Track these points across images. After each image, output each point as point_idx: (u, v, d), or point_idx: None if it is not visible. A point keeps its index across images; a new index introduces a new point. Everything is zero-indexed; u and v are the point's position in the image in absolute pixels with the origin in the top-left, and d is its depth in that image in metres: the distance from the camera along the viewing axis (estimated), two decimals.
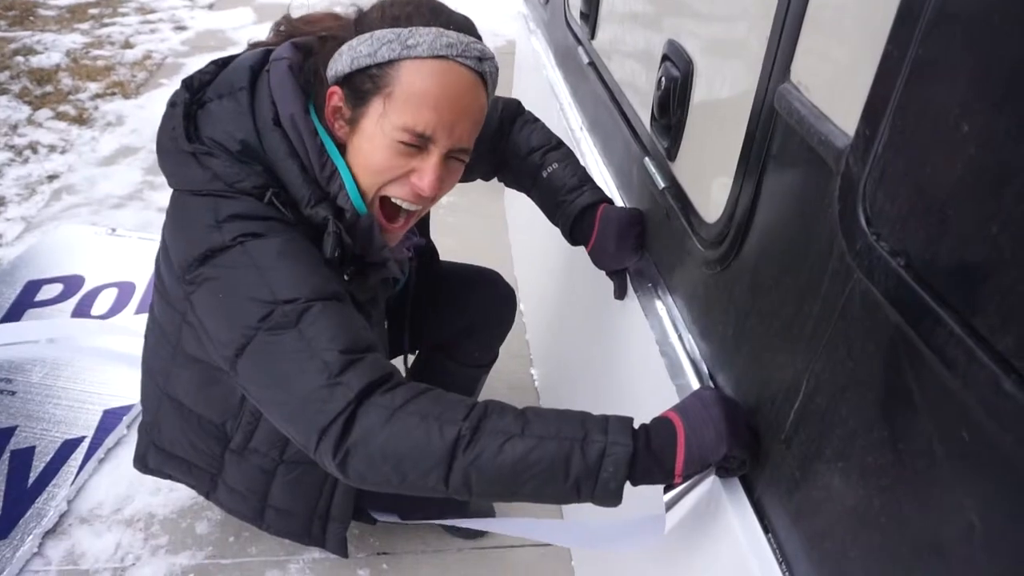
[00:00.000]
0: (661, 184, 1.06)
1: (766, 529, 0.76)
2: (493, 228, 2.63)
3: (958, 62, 0.47)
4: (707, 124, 0.94)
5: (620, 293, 1.17)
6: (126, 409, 1.85)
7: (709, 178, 0.92)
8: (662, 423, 0.83)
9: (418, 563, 1.55)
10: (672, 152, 1.02)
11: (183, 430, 1.25)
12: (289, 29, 1.07)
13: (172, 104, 1.00)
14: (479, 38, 0.98)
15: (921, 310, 0.50)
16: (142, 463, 1.37)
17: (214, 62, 1.06)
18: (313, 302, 0.90)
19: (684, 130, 0.99)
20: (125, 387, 1.89)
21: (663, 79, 1.01)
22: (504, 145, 1.28)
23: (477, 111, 0.99)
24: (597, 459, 0.79)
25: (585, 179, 1.21)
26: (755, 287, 0.79)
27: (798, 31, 0.69)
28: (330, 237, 0.96)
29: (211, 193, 0.94)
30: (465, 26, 0.97)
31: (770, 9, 0.73)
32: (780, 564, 0.72)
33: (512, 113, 1.29)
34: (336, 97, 0.97)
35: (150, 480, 1.69)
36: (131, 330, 2.09)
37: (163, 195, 3.01)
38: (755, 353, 0.80)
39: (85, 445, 1.74)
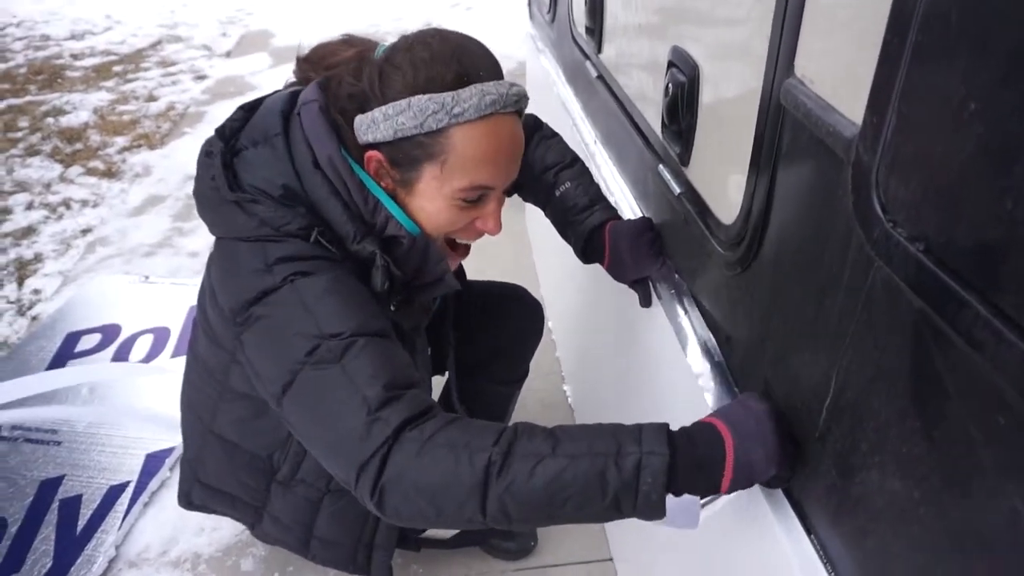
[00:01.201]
0: (677, 190, 1.05)
1: (808, 530, 0.74)
2: (517, 247, 2.64)
3: (958, 42, 0.47)
4: (717, 126, 0.93)
5: (645, 302, 1.17)
6: (168, 452, 1.88)
7: (723, 180, 0.91)
8: (707, 430, 0.80)
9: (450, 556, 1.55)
10: (685, 157, 1.02)
11: (229, 465, 1.27)
12: (308, 68, 1.08)
13: (208, 154, 1.01)
14: (501, 71, 0.98)
15: (944, 294, 0.49)
16: (187, 500, 1.39)
17: (241, 107, 1.07)
18: (357, 337, 0.91)
19: (695, 134, 0.98)
20: (166, 431, 1.93)
21: (670, 85, 1.02)
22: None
23: (523, 144, 1.02)
24: (633, 471, 0.76)
25: (597, 198, 1.22)
26: (776, 286, 0.78)
27: (799, 25, 0.69)
28: (379, 270, 0.97)
29: (259, 239, 0.96)
30: (492, 68, 0.97)
31: (770, 5, 0.73)
32: (824, 565, 0.71)
33: (530, 130, 1.29)
34: (375, 162, 0.98)
35: (194, 521, 1.72)
36: (167, 371, 2.13)
37: (192, 240, 3.07)
38: (781, 352, 0.79)
39: (130, 490, 1.77)
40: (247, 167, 0.99)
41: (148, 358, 2.22)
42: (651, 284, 1.16)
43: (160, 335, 2.31)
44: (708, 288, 1.00)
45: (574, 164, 1.26)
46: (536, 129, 1.31)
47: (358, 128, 0.97)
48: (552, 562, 1.59)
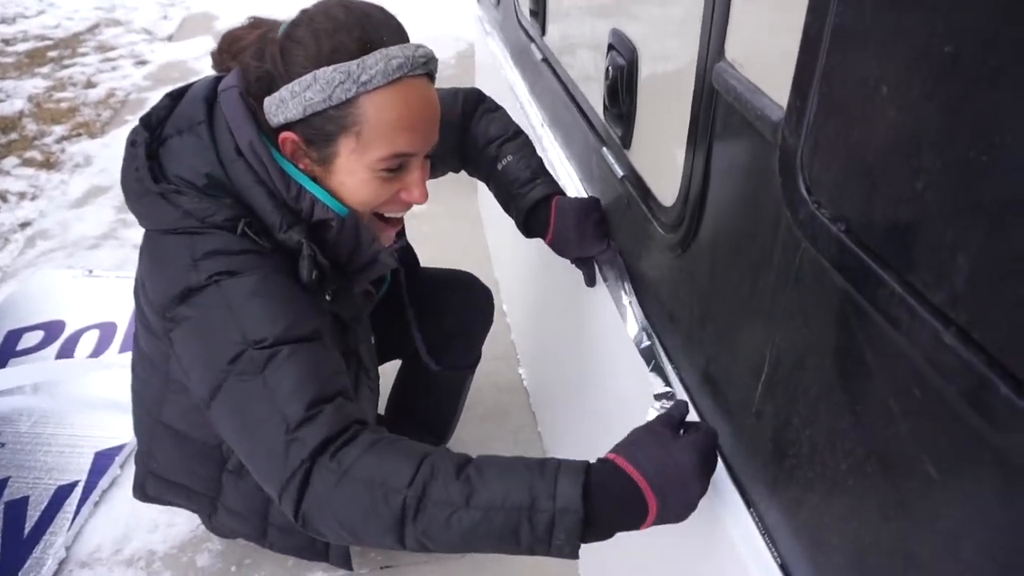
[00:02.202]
0: (619, 173, 1.06)
1: (748, 504, 0.77)
2: (470, 231, 2.63)
3: (871, 28, 0.48)
4: (655, 109, 0.94)
5: (589, 281, 1.18)
6: (117, 449, 1.84)
7: (663, 162, 0.92)
8: (621, 479, 0.78)
9: (421, 573, 1.55)
10: (626, 140, 1.03)
11: (180, 456, 1.26)
12: (224, 59, 1.05)
13: (132, 143, 0.99)
14: (406, 35, 0.97)
15: (863, 272, 0.51)
16: (141, 492, 1.37)
17: (168, 95, 1.05)
18: (281, 346, 0.89)
19: (635, 117, 0.99)
20: (114, 428, 1.88)
21: (610, 68, 1.02)
22: (465, 137, 1.27)
23: (438, 106, 1.00)
24: (546, 530, 0.76)
25: (539, 171, 1.20)
26: (714, 266, 0.80)
27: (728, 8, 0.70)
28: (306, 260, 0.95)
29: (185, 231, 0.94)
30: (397, 32, 0.95)
31: None
32: (763, 535, 0.73)
33: (473, 103, 1.28)
34: (290, 143, 0.96)
35: (147, 518, 1.69)
36: (114, 366, 2.08)
37: (137, 232, 3.00)
38: (720, 331, 0.80)
39: (79, 489, 1.73)
40: (172, 157, 0.97)
41: (94, 354, 2.17)
42: (596, 265, 1.17)
43: (106, 330, 2.25)
44: (651, 270, 1.02)
45: (516, 137, 1.25)
46: (479, 102, 1.29)
47: (268, 110, 0.95)
48: None
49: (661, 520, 0.78)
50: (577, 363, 1.39)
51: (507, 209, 1.24)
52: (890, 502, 0.53)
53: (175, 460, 1.27)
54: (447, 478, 0.80)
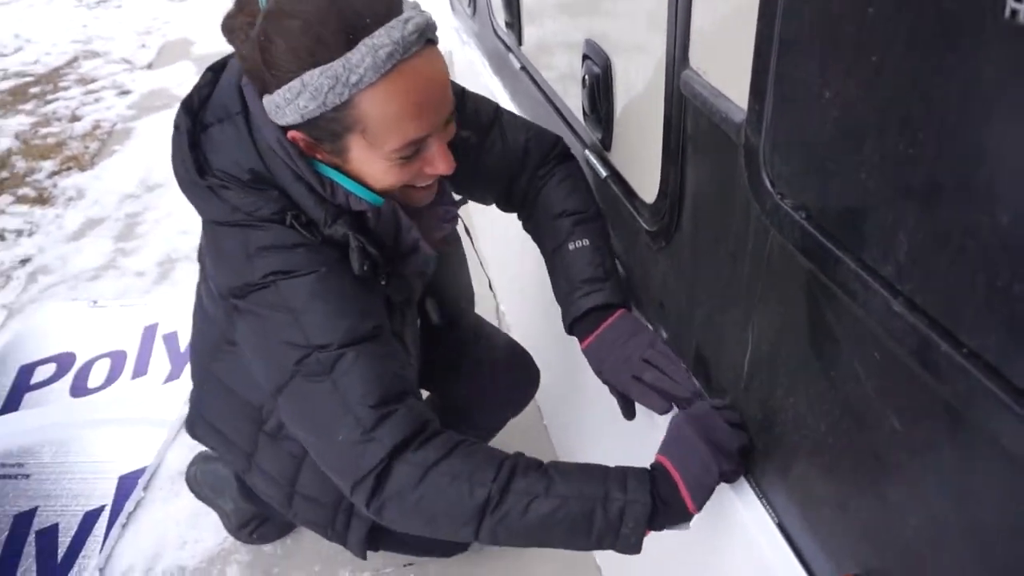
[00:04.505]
0: (603, 173, 1.13)
1: (746, 471, 0.84)
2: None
3: (813, 37, 0.55)
4: (632, 113, 1.01)
5: (627, 413, 1.05)
6: (140, 472, 1.90)
7: (642, 162, 0.99)
8: (660, 470, 0.86)
9: (445, 570, 1.61)
10: (607, 142, 1.10)
11: (225, 406, 1.30)
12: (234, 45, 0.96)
13: (176, 127, 0.96)
14: (389, 4, 0.85)
15: (824, 253, 0.58)
16: (191, 430, 1.44)
17: (210, 68, 1.00)
18: (346, 348, 0.90)
19: (614, 121, 1.06)
20: (135, 451, 1.95)
21: (586, 76, 1.09)
22: (532, 190, 1.18)
23: (444, 74, 0.92)
24: (617, 517, 0.83)
25: (611, 271, 1.09)
26: (696, 256, 0.87)
27: (689, 19, 0.76)
28: (355, 252, 0.94)
29: (237, 224, 0.94)
30: (385, 8, 0.84)
31: (663, 1, 0.81)
32: (760, 499, 0.80)
33: (555, 154, 1.18)
34: (301, 141, 0.92)
35: (174, 535, 1.75)
36: (129, 399, 2.14)
37: (136, 260, 3.03)
38: (707, 315, 0.87)
39: (106, 513, 1.79)
40: (214, 147, 0.95)
41: (107, 383, 2.22)
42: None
43: (117, 358, 2.30)
44: (640, 262, 1.08)
45: (596, 219, 1.13)
46: (565, 158, 1.19)
47: (268, 112, 0.90)
48: None
49: (693, 489, 0.84)
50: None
51: (557, 294, 1.13)
52: (864, 454, 0.60)
53: (221, 408, 1.31)
54: (528, 471, 0.87)
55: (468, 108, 1.15)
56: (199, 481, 1.70)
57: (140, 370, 2.25)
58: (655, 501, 0.83)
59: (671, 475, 0.85)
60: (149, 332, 2.39)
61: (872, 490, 0.59)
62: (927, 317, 0.48)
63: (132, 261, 2.86)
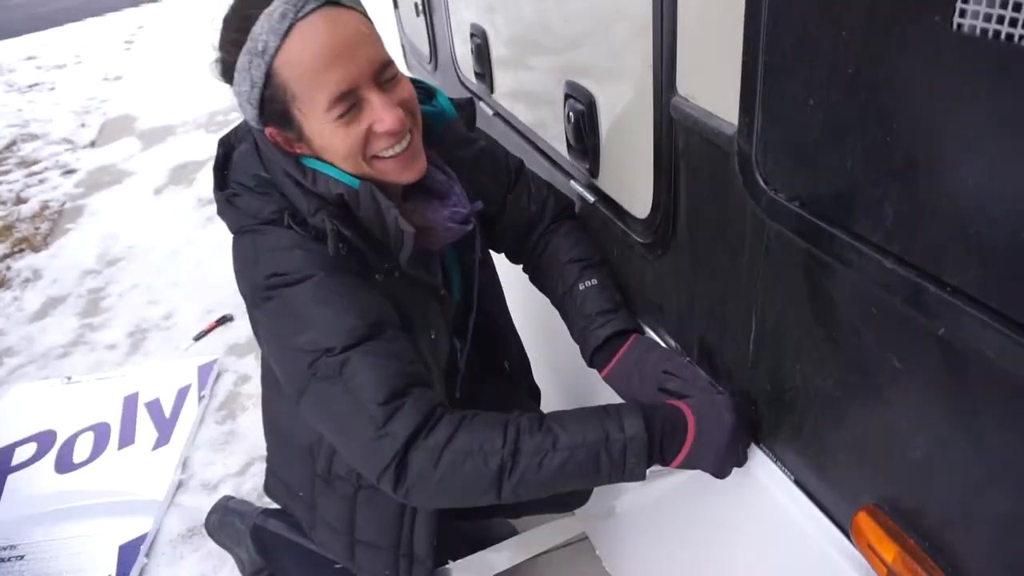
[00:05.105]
0: (591, 199, 1.25)
1: (756, 441, 0.94)
2: None
3: (795, 60, 0.68)
4: (619, 140, 1.13)
5: None
6: (141, 539, 1.90)
7: (632, 183, 1.11)
8: (675, 414, 0.96)
9: None
10: (594, 171, 1.22)
11: (284, 453, 1.36)
12: None
13: (214, 158, 1.11)
14: None
15: (820, 233, 0.70)
16: (266, 489, 1.48)
17: None
18: (351, 351, 0.97)
19: (600, 150, 1.18)
20: (132, 517, 1.95)
21: (571, 114, 1.21)
22: (542, 243, 1.30)
23: (359, 27, 0.96)
24: (621, 454, 0.94)
25: (620, 304, 1.20)
26: (695, 259, 0.98)
27: (675, 54, 0.89)
28: (331, 236, 0.98)
29: (248, 230, 1.04)
30: None
31: (648, 40, 0.93)
32: (775, 461, 0.90)
33: (565, 213, 1.31)
34: (272, 135, 1.02)
35: None
36: (118, 470, 2.13)
37: (106, 334, 3.05)
38: (709, 310, 0.99)
39: None
40: (234, 165, 1.09)
41: (93, 456, 2.21)
42: None
43: (100, 431, 2.29)
44: (635, 273, 1.20)
45: (602, 264, 1.25)
46: (570, 216, 1.32)
47: (246, 118, 1.03)
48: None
49: (696, 449, 0.95)
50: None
51: (573, 326, 1.22)
52: (872, 398, 0.71)
53: (280, 454, 1.38)
54: (532, 432, 0.95)
55: (499, 153, 1.30)
56: (217, 528, 1.72)
57: (126, 440, 2.24)
58: (651, 435, 0.94)
59: (686, 430, 0.95)
60: (130, 402, 2.39)
61: (881, 426, 0.70)
62: (915, 268, 0.60)
63: (101, 335, 2.85)
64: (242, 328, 2.78)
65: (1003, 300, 0.53)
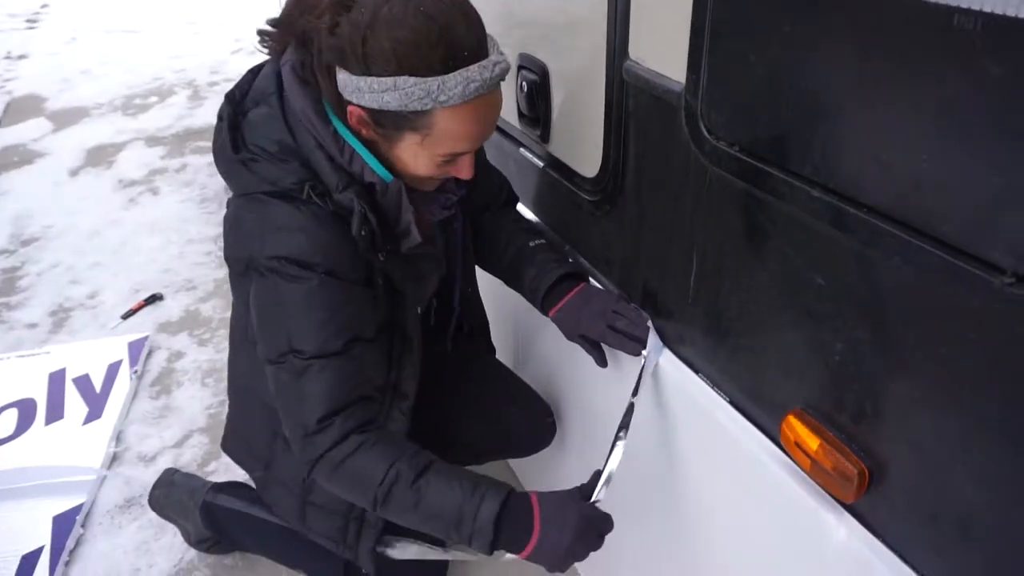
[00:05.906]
0: (540, 164, 1.34)
1: (696, 371, 1.06)
2: None
3: (739, 20, 0.78)
4: (571, 106, 1.23)
5: (601, 361, 1.23)
6: (76, 510, 1.87)
7: (582, 145, 1.21)
8: (523, 512, 1.07)
9: None
10: (545, 136, 1.31)
11: (245, 410, 1.40)
12: (284, 34, 1.10)
13: (219, 118, 1.11)
14: (484, 40, 1.00)
15: (757, 172, 0.81)
16: (223, 445, 1.52)
17: (250, 70, 1.15)
18: (314, 360, 1.06)
19: (552, 116, 1.28)
20: (66, 491, 1.91)
21: (524, 83, 1.30)
22: (490, 222, 1.40)
23: (499, 110, 1.08)
24: (467, 540, 1.07)
25: (567, 258, 1.32)
26: (641, 209, 1.09)
27: (628, 22, 0.99)
28: (357, 216, 1.04)
29: (258, 197, 1.06)
30: (477, 44, 0.98)
31: (602, 9, 1.03)
32: (713, 387, 1.02)
33: (512, 198, 1.45)
34: (357, 116, 1.02)
35: (126, 565, 1.76)
36: (47, 444, 2.08)
37: (25, 312, 2.97)
38: (652, 254, 1.09)
39: (46, 553, 1.75)
40: (250, 127, 1.09)
41: (18, 432, 2.14)
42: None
43: (25, 407, 2.22)
44: (583, 231, 1.30)
45: (547, 234, 1.39)
46: (515, 203, 1.45)
47: (342, 86, 1.01)
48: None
49: (537, 551, 1.06)
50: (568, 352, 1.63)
51: (524, 276, 1.31)
52: (801, 314, 0.83)
53: (243, 414, 1.42)
54: (405, 485, 1.07)
55: None
56: (162, 504, 1.71)
57: (55, 415, 2.19)
58: (497, 535, 1.05)
59: (531, 532, 1.06)
60: (57, 377, 2.33)
61: (806, 339, 0.82)
62: (837, 194, 0.71)
63: (20, 314, 2.75)
64: (173, 307, 2.74)
65: (909, 215, 0.65)
